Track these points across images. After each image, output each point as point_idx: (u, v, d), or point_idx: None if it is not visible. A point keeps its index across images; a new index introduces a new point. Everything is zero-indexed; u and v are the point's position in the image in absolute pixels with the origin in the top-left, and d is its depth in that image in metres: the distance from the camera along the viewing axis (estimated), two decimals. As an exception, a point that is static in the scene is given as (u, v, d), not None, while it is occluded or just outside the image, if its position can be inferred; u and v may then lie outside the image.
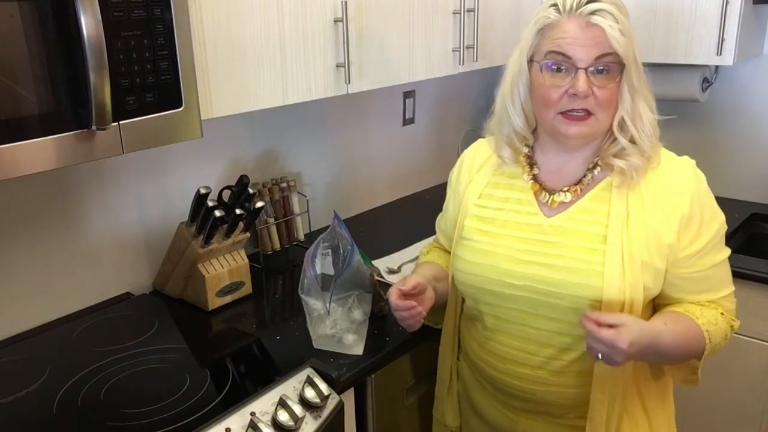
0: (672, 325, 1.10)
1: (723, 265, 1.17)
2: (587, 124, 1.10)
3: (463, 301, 1.31)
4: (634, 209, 1.11)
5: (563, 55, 1.07)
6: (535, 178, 1.20)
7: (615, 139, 1.12)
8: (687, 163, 1.15)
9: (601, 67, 1.07)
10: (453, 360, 1.36)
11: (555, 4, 1.09)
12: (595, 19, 1.05)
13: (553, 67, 1.09)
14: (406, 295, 1.19)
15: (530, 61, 1.13)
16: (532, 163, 1.21)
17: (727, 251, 1.18)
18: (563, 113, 1.10)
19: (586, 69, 1.06)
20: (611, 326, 1.01)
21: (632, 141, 1.11)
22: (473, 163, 1.31)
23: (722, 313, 1.16)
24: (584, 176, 1.16)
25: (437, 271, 1.36)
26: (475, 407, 1.33)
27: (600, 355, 1.02)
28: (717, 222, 1.14)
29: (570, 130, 1.11)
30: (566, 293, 1.11)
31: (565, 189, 1.17)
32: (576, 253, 1.12)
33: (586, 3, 1.06)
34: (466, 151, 1.35)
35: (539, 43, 1.11)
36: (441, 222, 1.43)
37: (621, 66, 1.07)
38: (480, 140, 1.34)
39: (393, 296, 1.20)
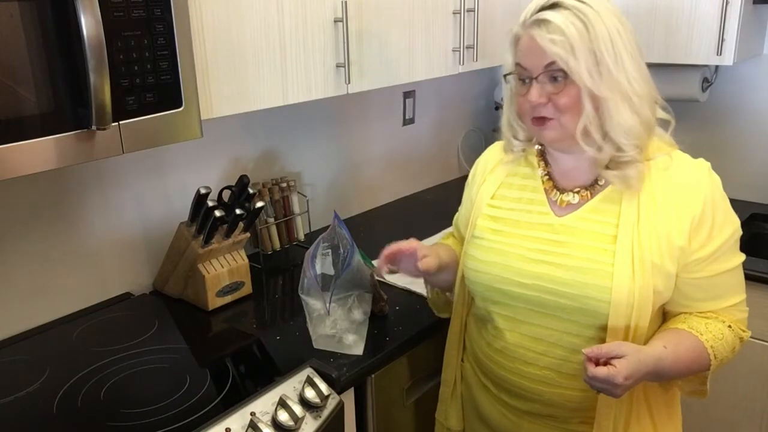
0: (673, 347, 1.08)
1: (735, 271, 1.15)
2: (552, 129, 1.11)
3: (471, 301, 1.31)
4: (646, 210, 1.11)
5: (521, 66, 1.11)
6: (549, 175, 1.21)
7: (599, 147, 1.10)
8: (702, 165, 1.14)
9: (554, 76, 1.08)
10: (457, 362, 1.36)
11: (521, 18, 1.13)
12: (533, 31, 1.07)
13: (519, 78, 1.13)
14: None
15: (507, 74, 1.17)
16: (545, 161, 1.23)
17: (741, 257, 1.16)
18: (532, 120, 1.12)
19: (537, 77, 1.08)
20: (611, 358, 1.01)
21: (619, 149, 1.09)
22: (487, 165, 1.33)
23: (729, 326, 1.14)
24: (596, 182, 1.16)
25: (450, 255, 1.35)
26: (478, 410, 1.32)
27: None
28: (730, 227, 1.13)
29: (542, 134, 1.13)
30: (575, 293, 1.11)
31: (576, 190, 1.17)
32: (586, 252, 1.12)
33: (537, 12, 1.08)
34: (481, 155, 1.37)
35: (512, 56, 1.15)
36: (457, 220, 1.45)
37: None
38: (495, 143, 1.35)
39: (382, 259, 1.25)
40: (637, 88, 1.08)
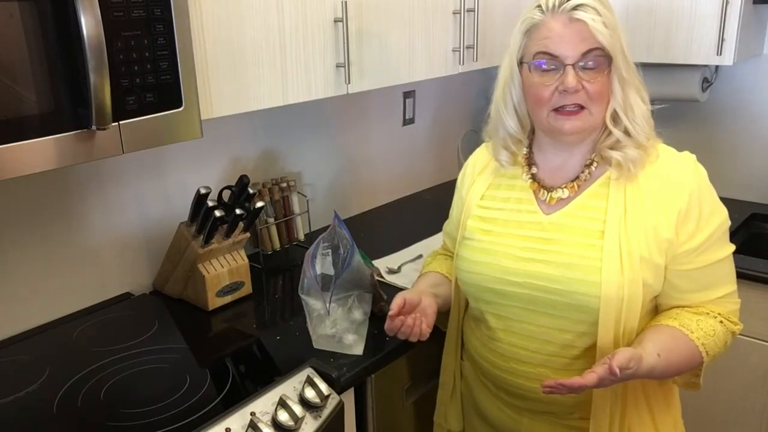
0: (666, 354, 1.07)
1: (725, 262, 1.16)
2: (580, 119, 1.11)
3: (467, 303, 1.31)
4: (632, 204, 1.11)
5: (550, 54, 1.09)
6: (533, 177, 1.21)
7: (610, 132, 1.13)
8: (687, 157, 1.15)
9: (589, 62, 1.08)
10: (456, 364, 1.36)
11: (539, 5, 1.11)
12: (578, 14, 1.07)
13: (542, 66, 1.10)
14: (395, 316, 1.22)
15: (520, 63, 1.15)
16: (530, 163, 1.22)
17: (731, 248, 1.17)
18: (556, 110, 1.11)
19: (573, 65, 1.08)
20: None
21: (627, 133, 1.12)
22: (476, 167, 1.33)
23: (721, 321, 1.14)
24: (582, 172, 1.17)
25: (434, 278, 1.37)
26: (478, 407, 1.33)
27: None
28: (718, 218, 1.14)
29: (565, 125, 1.12)
30: (565, 289, 1.11)
31: (563, 186, 1.17)
32: (574, 249, 1.12)
33: (568, 0, 1.08)
34: (470, 157, 1.37)
35: (527, 44, 1.13)
36: (447, 226, 1.45)
37: (608, 59, 1.08)
38: (483, 145, 1.35)
39: (386, 324, 1.23)
40: (640, 78, 1.13)
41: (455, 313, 1.34)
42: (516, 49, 1.14)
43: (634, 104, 1.11)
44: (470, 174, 1.33)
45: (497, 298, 1.19)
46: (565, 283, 1.11)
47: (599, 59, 1.08)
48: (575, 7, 1.07)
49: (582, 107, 1.10)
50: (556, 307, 1.13)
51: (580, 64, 1.08)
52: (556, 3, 1.08)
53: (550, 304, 1.14)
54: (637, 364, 1.01)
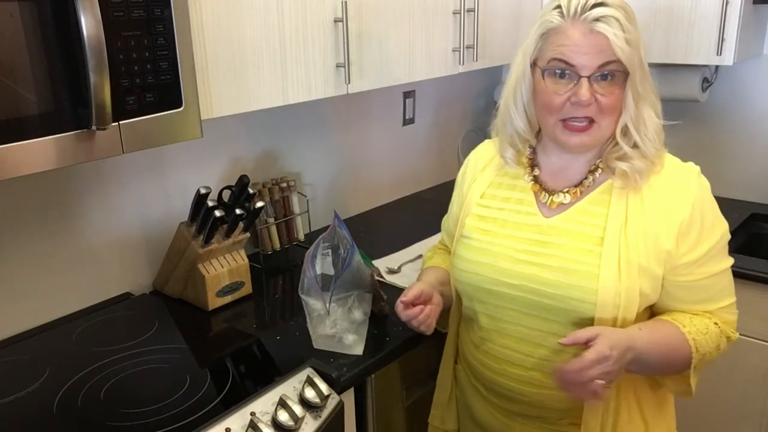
0: (648, 330, 1.07)
1: (724, 274, 1.15)
2: (589, 134, 1.09)
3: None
4: (634, 213, 1.11)
5: (566, 63, 1.06)
6: (535, 179, 1.20)
7: (617, 143, 1.11)
8: (692, 169, 1.14)
9: (605, 74, 1.05)
10: (454, 365, 1.36)
11: (559, 7, 1.07)
12: (600, 26, 1.03)
13: (556, 73, 1.08)
14: (410, 304, 1.21)
15: (533, 65, 1.12)
16: (533, 164, 1.22)
17: (730, 261, 1.16)
18: (564, 121, 1.09)
19: (589, 77, 1.05)
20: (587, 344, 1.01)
21: (635, 146, 1.10)
22: (478, 163, 1.31)
23: (716, 323, 1.14)
24: (585, 178, 1.16)
25: (442, 275, 1.35)
26: (471, 411, 1.32)
27: (599, 385, 1.00)
28: (719, 231, 1.13)
29: (570, 140, 1.10)
30: (561, 294, 1.11)
31: (565, 190, 1.16)
32: (572, 254, 1.12)
33: (591, 8, 1.04)
34: (472, 152, 1.36)
35: (542, 48, 1.09)
36: (445, 222, 1.44)
37: (625, 73, 1.06)
38: (486, 141, 1.34)
39: (399, 309, 1.22)
40: (656, 90, 1.11)
41: (456, 315, 1.34)
42: (531, 50, 1.11)
43: (647, 119, 1.09)
44: (472, 170, 1.32)
45: (492, 299, 1.19)
46: (562, 287, 1.10)
47: (615, 73, 1.05)
48: (598, 18, 1.03)
49: (592, 121, 1.08)
50: (551, 311, 1.13)
51: (595, 76, 1.05)
52: (578, 9, 1.04)
53: (545, 308, 1.13)
54: (602, 330, 1.02)
